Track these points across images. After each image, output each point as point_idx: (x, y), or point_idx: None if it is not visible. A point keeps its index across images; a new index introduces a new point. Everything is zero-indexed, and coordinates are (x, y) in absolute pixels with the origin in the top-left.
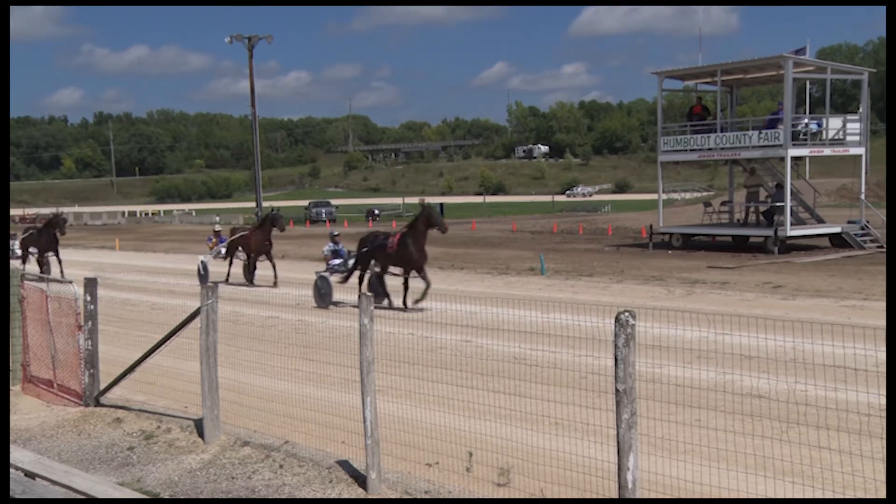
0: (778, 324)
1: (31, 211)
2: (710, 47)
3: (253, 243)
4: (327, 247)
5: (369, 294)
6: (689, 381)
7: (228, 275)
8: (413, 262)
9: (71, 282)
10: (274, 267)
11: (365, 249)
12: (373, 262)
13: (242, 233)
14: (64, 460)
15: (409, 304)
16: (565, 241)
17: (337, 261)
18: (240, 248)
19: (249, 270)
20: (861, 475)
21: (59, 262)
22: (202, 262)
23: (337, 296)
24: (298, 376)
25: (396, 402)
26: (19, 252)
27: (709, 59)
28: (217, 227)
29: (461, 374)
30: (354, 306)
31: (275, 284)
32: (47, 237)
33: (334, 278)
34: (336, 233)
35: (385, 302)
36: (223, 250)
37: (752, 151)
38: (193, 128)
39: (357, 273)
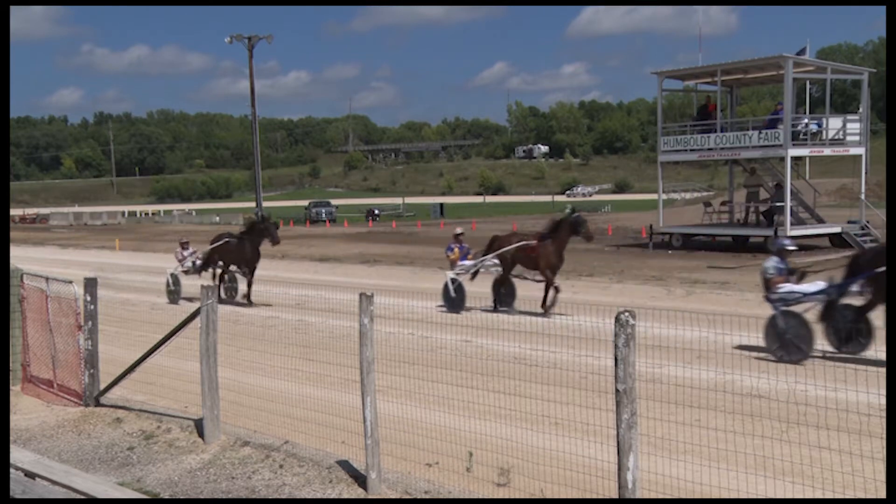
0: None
1: (31, 211)
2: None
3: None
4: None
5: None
6: (689, 381)
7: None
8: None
9: (71, 282)
10: (250, 283)
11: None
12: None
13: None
14: (64, 460)
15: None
16: None
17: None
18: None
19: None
20: (861, 475)
21: (250, 282)
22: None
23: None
24: (298, 376)
25: (396, 402)
26: (193, 262)
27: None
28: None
29: (461, 374)
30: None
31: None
32: (252, 248)
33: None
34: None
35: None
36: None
37: (752, 151)
38: (193, 128)
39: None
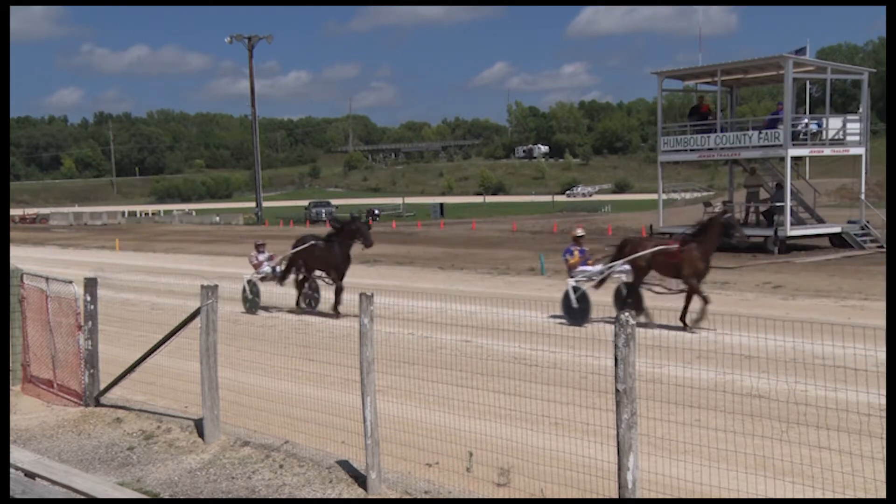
0: (778, 324)
1: (31, 211)
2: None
3: (326, 258)
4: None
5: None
6: (689, 381)
7: (299, 300)
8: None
9: (71, 282)
10: (339, 291)
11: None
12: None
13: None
14: (64, 460)
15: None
16: (565, 241)
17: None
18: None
19: (336, 292)
20: (861, 475)
21: (340, 289)
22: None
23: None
24: (298, 376)
25: (396, 402)
26: (271, 268)
27: (709, 59)
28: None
29: (461, 374)
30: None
31: (336, 312)
32: (341, 251)
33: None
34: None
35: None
36: (277, 268)
37: (752, 151)
38: (193, 128)
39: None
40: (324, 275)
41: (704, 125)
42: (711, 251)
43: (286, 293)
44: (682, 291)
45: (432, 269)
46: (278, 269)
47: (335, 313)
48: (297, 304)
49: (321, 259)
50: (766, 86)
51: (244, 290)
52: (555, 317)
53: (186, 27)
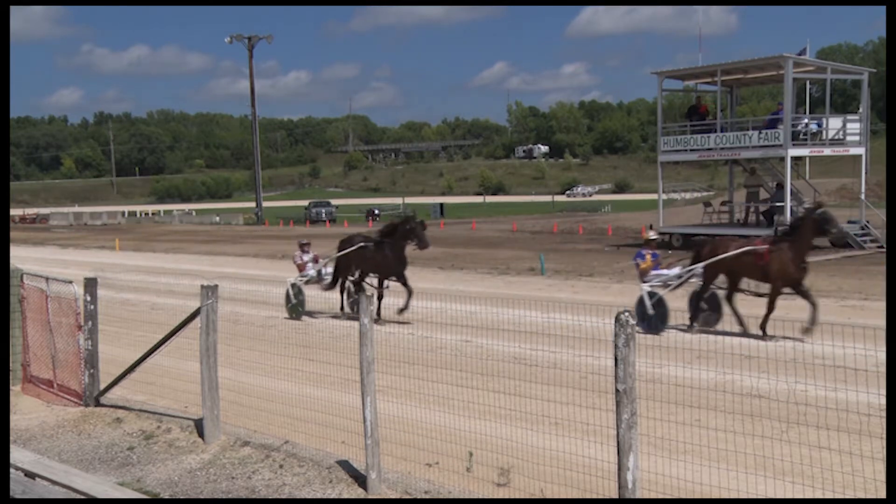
0: (778, 324)
1: (31, 211)
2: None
3: (378, 261)
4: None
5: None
6: (689, 381)
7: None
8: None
9: (71, 282)
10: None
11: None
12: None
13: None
14: (64, 460)
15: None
16: (565, 241)
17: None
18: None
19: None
20: (861, 475)
21: (410, 291)
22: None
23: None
24: (298, 376)
25: (396, 402)
26: (317, 271)
27: (708, 59)
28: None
29: (461, 374)
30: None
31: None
32: (395, 253)
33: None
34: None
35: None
36: (324, 270)
37: (752, 151)
38: (193, 128)
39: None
40: (376, 278)
41: (703, 125)
42: (806, 251)
43: (330, 297)
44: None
45: (432, 269)
46: (325, 271)
47: (377, 317)
48: (342, 309)
49: (374, 262)
50: (766, 86)
51: (287, 293)
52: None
53: (186, 27)
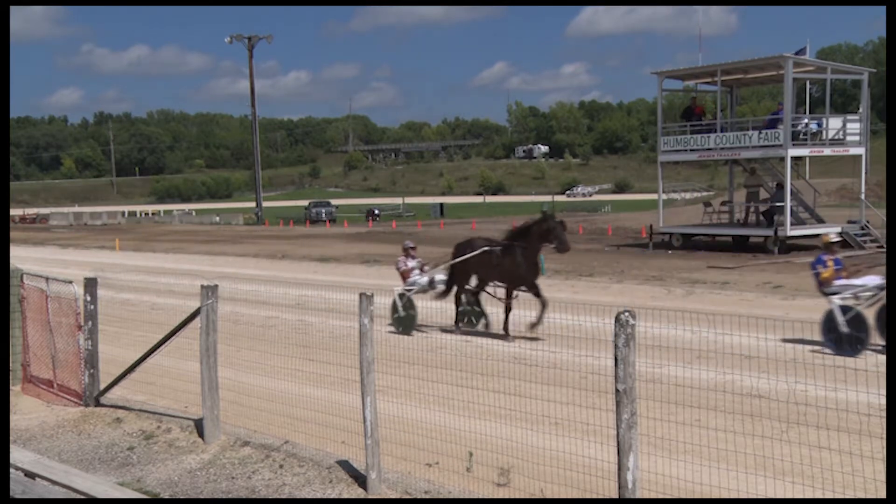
0: (778, 324)
1: (31, 211)
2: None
3: (507, 267)
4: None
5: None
6: (689, 381)
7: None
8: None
9: (71, 282)
10: (544, 305)
11: None
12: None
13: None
14: (64, 460)
15: None
16: None
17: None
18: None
19: (506, 311)
20: (861, 475)
21: (544, 302)
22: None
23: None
24: (298, 376)
25: (396, 402)
26: (427, 279)
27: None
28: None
29: (461, 374)
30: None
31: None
32: (527, 258)
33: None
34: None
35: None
36: (437, 277)
37: (752, 151)
38: (193, 128)
39: None
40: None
41: (704, 125)
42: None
43: (442, 308)
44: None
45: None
46: (437, 278)
47: (505, 334)
48: (456, 322)
49: (501, 269)
50: (766, 86)
51: (394, 304)
52: (818, 345)
53: (186, 27)
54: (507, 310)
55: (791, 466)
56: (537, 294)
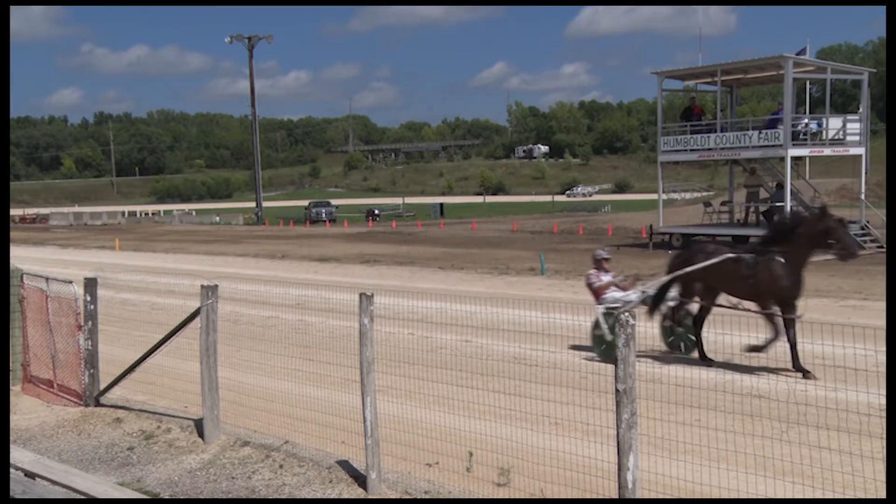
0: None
1: (31, 211)
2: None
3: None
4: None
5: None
6: (689, 381)
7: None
8: None
9: (71, 282)
10: (794, 343)
11: None
12: None
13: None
14: (64, 460)
15: None
16: (565, 241)
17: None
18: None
19: (788, 341)
20: (861, 475)
21: (794, 341)
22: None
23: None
24: (298, 376)
25: (396, 402)
26: (638, 295)
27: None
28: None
29: (461, 374)
30: None
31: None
32: (791, 270)
33: None
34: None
35: None
36: (647, 291)
37: (752, 151)
38: (193, 128)
39: None
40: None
41: (704, 125)
42: None
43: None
44: None
45: (432, 268)
46: (647, 292)
47: (798, 370)
48: (702, 355)
49: (751, 283)
50: (766, 86)
51: (597, 324)
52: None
53: (186, 27)
54: (792, 342)
55: (791, 466)
56: (789, 312)
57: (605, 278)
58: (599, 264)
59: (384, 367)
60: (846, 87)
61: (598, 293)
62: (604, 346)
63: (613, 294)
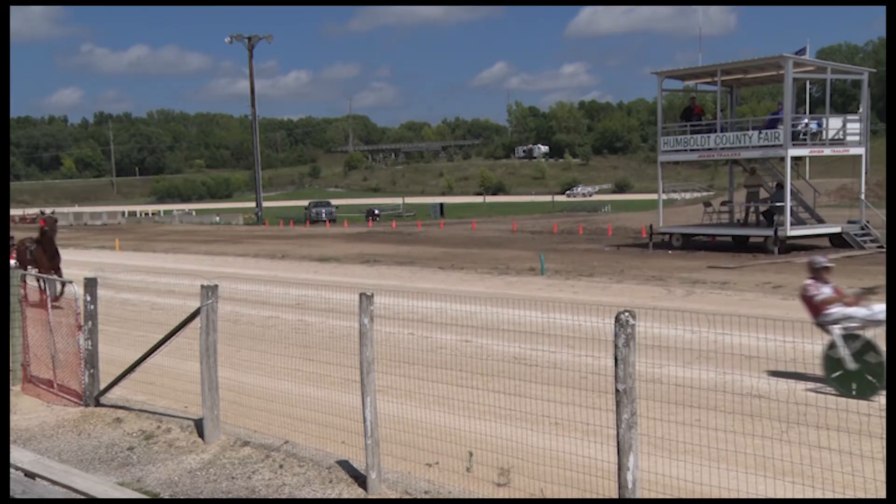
0: (778, 324)
1: (31, 211)
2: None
3: None
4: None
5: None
6: (689, 381)
7: None
8: None
9: (70, 282)
10: None
11: None
12: None
13: None
14: (64, 460)
15: None
16: (565, 241)
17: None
18: None
19: None
20: (861, 475)
21: None
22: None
23: None
24: (298, 376)
25: (396, 402)
26: (868, 311)
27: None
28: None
29: (461, 374)
30: None
31: None
32: None
33: None
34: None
35: None
36: (877, 308)
37: (752, 151)
38: (193, 128)
39: None
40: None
41: (704, 125)
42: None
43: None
44: None
45: (432, 268)
46: (877, 308)
47: None
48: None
49: None
50: (766, 86)
51: (832, 348)
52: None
53: (186, 27)
54: None
55: (791, 466)
56: None
57: (826, 290)
58: (818, 274)
59: (384, 367)
60: (846, 87)
61: (818, 308)
62: (839, 374)
63: (843, 310)
